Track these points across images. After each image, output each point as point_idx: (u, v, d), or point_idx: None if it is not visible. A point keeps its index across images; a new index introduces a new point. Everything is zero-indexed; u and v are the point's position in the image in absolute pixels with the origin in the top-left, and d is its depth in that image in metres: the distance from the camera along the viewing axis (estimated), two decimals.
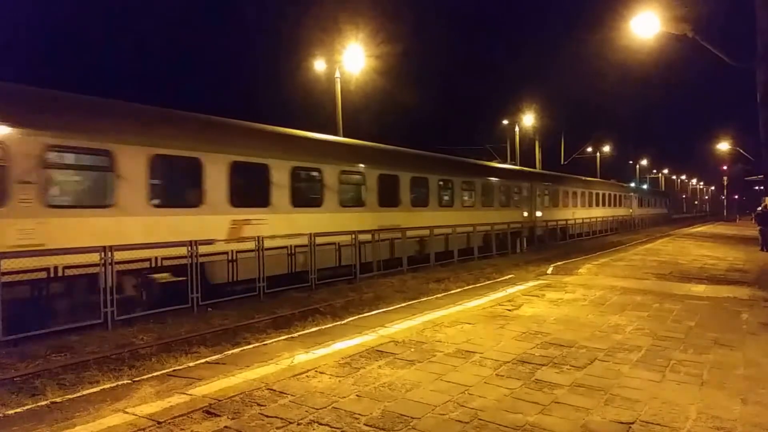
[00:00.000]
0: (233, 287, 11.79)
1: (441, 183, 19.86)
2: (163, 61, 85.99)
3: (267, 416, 4.42)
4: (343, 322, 8.37)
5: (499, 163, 32.55)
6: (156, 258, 10.26)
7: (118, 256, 9.38)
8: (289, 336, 7.48)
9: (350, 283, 14.15)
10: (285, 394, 4.94)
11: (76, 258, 8.87)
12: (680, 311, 8.74)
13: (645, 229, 45.89)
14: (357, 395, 4.89)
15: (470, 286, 12.41)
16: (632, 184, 61.41)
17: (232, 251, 11.85)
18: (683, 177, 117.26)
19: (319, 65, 23.30)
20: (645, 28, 12.76)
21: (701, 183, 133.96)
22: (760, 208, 23.19)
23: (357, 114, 32.80)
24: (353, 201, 15.87)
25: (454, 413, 4.46)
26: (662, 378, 5.36)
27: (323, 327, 8.08)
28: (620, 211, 43.55)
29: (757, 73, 10.79)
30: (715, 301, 9.77)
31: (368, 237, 15.30)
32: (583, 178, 39.96)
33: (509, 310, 8.83)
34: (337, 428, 4.18)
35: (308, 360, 6.04)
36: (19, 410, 4.86)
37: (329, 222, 14.29)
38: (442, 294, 11.23)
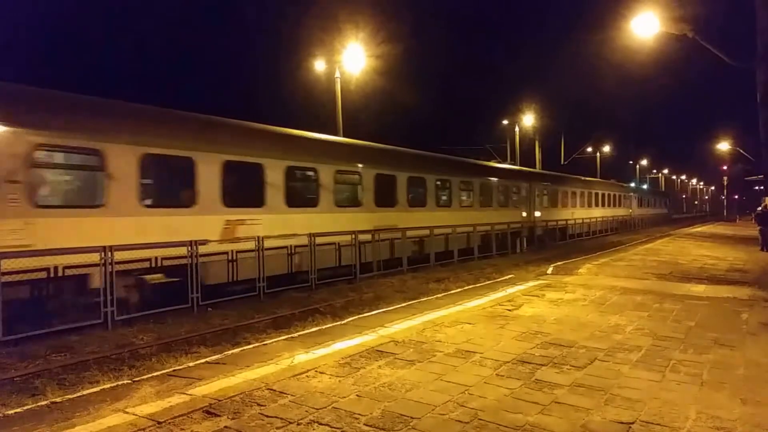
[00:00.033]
0: (228, 288, 11.68)
1: (439, 183, 19.79)
2: (163, 61, 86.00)
3: (267, 416, 4.42)
4: (343, 322, 8.37)
5: (499, 163, 32.51)
6: (148, 259, 10.12)
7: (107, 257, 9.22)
8: (289, 336, 7.48)
9: (350, 283, 14.15)
10: (285, 394, 4.94)
11: (65, 259, 8.76)
12: (680, 311, 8.74)
13: (645, 229, 45.89)
14: (357, 395, 4.89)
15: (470, 286, 12.41)
16: (632, 184, 61.43)
17: (232, 251, 11.82)
18: (683, 177, 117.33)
19: (319, 65, 23.31)
20: (645, 28, 12.79)
21: (701, 183, 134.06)
22: (760, 208, 23.19)
23: (357, 114, 32.84)
24: (349, 201, 15.77)
25: (454, 413, 4.46)
26: (662, 378, 5.36)
27: (323, 327, 8.08)
28: (620, 211, 43.54)
29: (757, 73, 10.80)
30: (715, 301, 9.77)
31: (368, 237, 15.29)
32: (583, 178, 39.91)
33: (509, 310, 8.83)
34: (337, 428, 4.18)
35: (308, 360, 6.04)
36: (19, 410, 4.86)
37: (325, 222, 14.18)
38: (442, 294, 11.23)
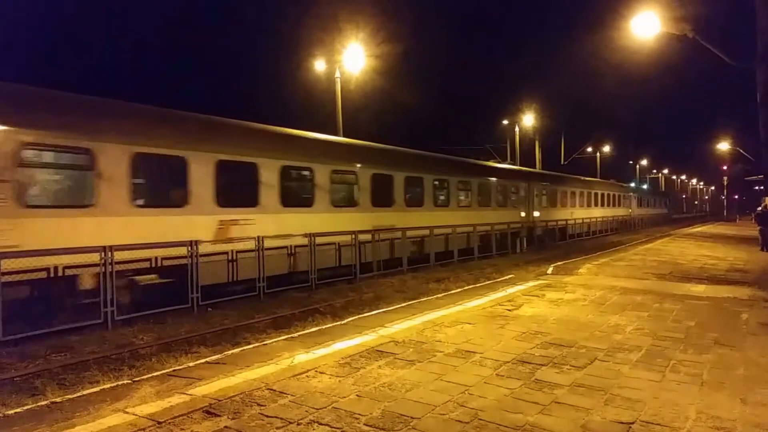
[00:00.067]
0: (222, 288, 11.53)
1: (436, 183, 19.69)
2: (163, 61, 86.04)
3: (267, 416, 4.42)
4: (343, 322, 8.37)
5: (498, 162, 32.47)
6: (140, 259, 9.98)
7: (98, 258, 9.11)
8: (289, 336, 7.48)
9: (350, 283, 14.16)
10: (285, 394, 4.94)
11: (52, 260, 8.61)
12: (680, 311, 8.74)
13: (645, 229, 45.90)
14: (357, 395, 4.89)
15: (470, 286, 12.41)
16: (632, 184, 61.42)
17: (231, 251, 11.79)
18: (683, 177, 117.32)
19: (319, 65, 23.32)
20: (645, 28, 12.77)
21: (701, 183, 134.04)
22: (760, 208, 23.20)
23: (357, 114, 32.83)
24: (346, 201, 15.66)
25: (454, 413, 4.46)
26: (662, 378, 5.36)
27: (323, 327, 8.08)
28: (619, 211, 43.53)
29: (757, 73, 10.79)
30: (715, 301, 9.77)
31: (368, 237, 15.28)
32: (582, 177, 39.90)
33: (509, 310, 8.83)
34: (337, 428, 4.18)
35: (308, 360, 6.04)
36: (19, 410, 4.86)
37: (321, 222, 14.07)
38: (442, 294, 11.24)
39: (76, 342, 8.24)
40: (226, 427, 4.25)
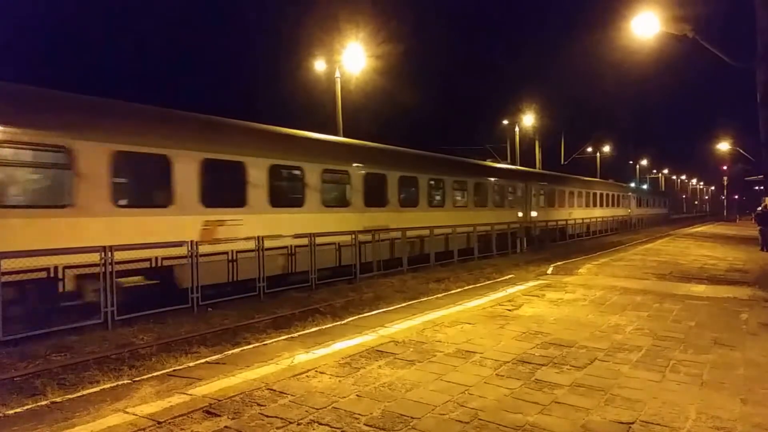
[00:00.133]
0: (206, 291, 11.06)
1: (432, 183, 19.44)
2: (163, 61, 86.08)
3: (267, 416, 4.43)
4: (343, 322, 8.37)
5: (497, 162, 32.41)
6: (124, 261, 9.60)
7: (80, 259, 8.89)
8: (289, 336, 7.48)
9: (350, 283, 14.15)
10: (285, 394, 4.94)
11: (31, 261, 8.30)
12: (680, 311, 8.74)
13: (645, 229, 45.91)
14: (357, 395, 4.89)
15: (470, 286, 12.41)
16: (632, 184, 61.42)
17: (231, 251, 11.74)
18: (683, 177, 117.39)
19: (319, 65, 23.31)
20: (645, 28, 12.78)
21: (701, 183, 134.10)
22: (760, 208, 23.21)
23: (357, 114, 32.80)
24: (337, 201, 15.37)
25: (454, 413, 4.46)
26: (662, 378, 5.36)
27: (323, 327, 8.08)
28: (619, 211, 43.49)
29: (757, 73, 10.80)
30: (715, 301, 9.77)
31: (368, 237, 15.24)
32: (581, 177, 39.85)
33: (509, 310, 8.83)
34: (337, 428, 4.18)
35: (308, 360, 6.04)
36: (19, 410, 4.86)
37: (312, 223, 13.80)
38: (442, 294, 11.23)
39: (76, 342, 8.23)
40: (226, 427, 4.25)
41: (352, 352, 6.35)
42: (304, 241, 13.18)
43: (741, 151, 49.23)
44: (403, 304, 9.87)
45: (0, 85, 9.39)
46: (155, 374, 5.79)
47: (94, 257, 9.10)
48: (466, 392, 4.95)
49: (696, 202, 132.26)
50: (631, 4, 13.10)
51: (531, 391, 4.97)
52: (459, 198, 21.41)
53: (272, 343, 7.03)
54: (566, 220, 31.39)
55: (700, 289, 11.25)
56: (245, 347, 6.99)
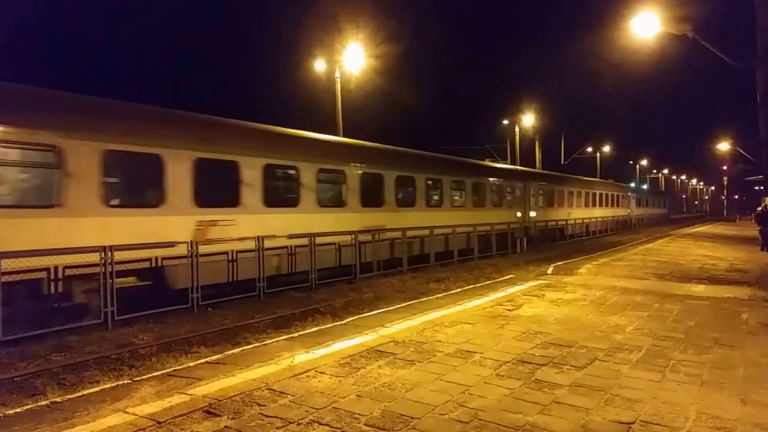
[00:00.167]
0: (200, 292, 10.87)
1: (429, 182, 19.29)
2: (163, 61, 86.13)
3: (267, 416, 4.43)
4: (343, 322, 8.37)
5: (495, 162, 32.34)
6: (117, 262, 9.42)
7: (69, 259, 8.82)
8: (289, 336, 7.48)
9: (350, 283, 14.15)
10: (285, 394, 4.94)
11: (13, 263, 8.16)
12: (680, 311, 8.74)
13: (645, 229, 45.91)
14: (357, 395, 4.89)
15: (470, 286, 12.41)
16: (632, 184, 61.43)
17: (232, 252, 11.73)
18: (683, 177, 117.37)
19: (319, 65, 23.33)
20: (645, 28, 12.77)
21: (701, 183, 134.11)
22: (760, 208, 23.21)
23: (357, 114, 32.82)
24: (333, 201, 15.25)
25: (454, 413, 4.46)
26: (662, 378, 5.36)
27: (323, 327, 8.08)
28: (618, 211, 43.47)
29: (757, 73, 10.79)
30: (715, 301, 9.77)
31: (368, 237, 15.23)
32: (580, 177, 39.80)
33: (509, 310, 8.83)
34: (337, 428, 4.18)
35: (308, 360, 6.04)
36: (19, 410, 4.86)
37: (307, 223, 13.64)
38: (442, 294, 11.23)
39: (76, 342, 8.23)
40: (226, 427, 4.25)
41: (352, 352, 6.35)
42: (303, 241, 13.15)
43: (741, 151, 49.24)
44: (403, 304, 9.87)
45: None
46: (155, 374, 5.79)
47: (84, 258, 9.00)
48: (466, 392, 4.95)
49: (696, 202, 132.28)
50: (631, 4, 13.11)
51: (531, 391, 4.97)
52: (457, 198, 21.27)
53: (272, 343, 7.03)
54: (566, 220, 31.38)
55: (700, 289, 11.25)
56: (245, 347, 6.99)
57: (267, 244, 12.17)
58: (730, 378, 5.35)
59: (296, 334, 7.57)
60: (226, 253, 11.62)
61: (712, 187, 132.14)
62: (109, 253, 9.19)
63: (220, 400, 4.78)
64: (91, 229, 9.53)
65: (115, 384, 5.50)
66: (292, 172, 13.85)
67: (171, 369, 5.98)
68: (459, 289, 11.90)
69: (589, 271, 14.29)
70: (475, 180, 22.50)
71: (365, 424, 4.24)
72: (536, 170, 35.61)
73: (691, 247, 22.89)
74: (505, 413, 4.45)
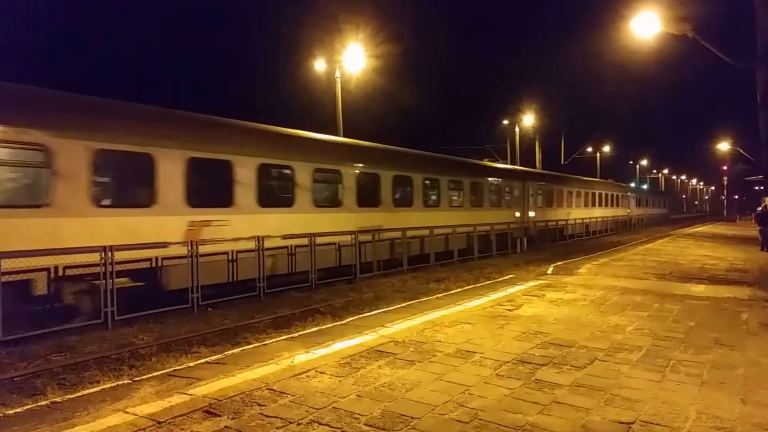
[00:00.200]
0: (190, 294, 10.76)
1: (427, 182, 19.18)
2: (163, 61, 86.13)
3: (267, 416, 4.43)
4: (343, 322, 8.37)
5: (495, 162, 32.29)
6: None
7: (58, 260, 8.68)
8: (289, 336, 7.48)
9: (350, 283, 14.15)
10: (285, 394, 4.94)
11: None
12: (680, 311, 8.74)
13: (645, 229, 45.92)
14: (357, 395, 4.89)
15: (470, 286, 12.41)
16: (632, 184, 61.42)
17: (233, 253, 11.70)
18: (683, 177, 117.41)
19: (319, 65, 23.33)
20: (645, 28, 12.77)
21: (701, 183, 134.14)
22: (760, 208, 23.22)
23: (357, 114, 32.80)
24: (329, 201, 15.15)
25: (454, 413, 4.46)
26: (662, 378, 5.36)
27: (323, 327, 8.08)
28: (618, 211, 43.46)
29: (757, 73, 10.79)
30: (715, 301, 9.77)
31: (368, 237, 15.22)
32: (579, 177, 39.75)
33: (509, 310, 8.83)
34: (337, 428, 4.18)
35: (308, 360, 6.04)
36: (19, 410, 4.86)
37: (302, 223, 13.51)
38: (442, 294, 11.23)
39: (76, 342, 8.23)
40: (226, 427, 4.25)
41: (352, 352, 6.35)
42: (303, 241, 13.13)
43: (741, 151, 49.24)
44: (403, 304, 9.87)
45: None
46: (155, 374, 5.79)
47: (72, 258, 8.91)
48: (466, 392, 4.95)
49: (696, 202, 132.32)
50: (631, 4, 13.10)
51: (531, 391, 4.97)
52: (455, 198, 21.15)
53: (272, 343, 7.03)
54: (566, 221, 31.36)
55: (700, 289, 11.25)
56: (245, 347, 6.99)
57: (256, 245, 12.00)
58: (730, 378, 5.35)
59: (296, 334, 7.57)
60: (221, 253, 11.47)
61: (712, 187, 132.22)
62: (109, 253, 9.18)
63: (220, 400, 4.78)
64: (80, 229, 9.39)
65: (115, 384, 5.50)
66: (287, 171, 13.74)
67: (171, 369, 5.98)
68: (459, 289, 11.90)
69: (589, 271, 14.29)
70: (473, 180, 22.39)
71: (365, 424, 4.24)
72: (535, 170, 35.57)
73: (691, 247, 22.89)
74: (505, 413, 4.45)
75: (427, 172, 19.29)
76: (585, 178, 41.07)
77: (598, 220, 37.58)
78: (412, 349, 6.43)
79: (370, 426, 4.22)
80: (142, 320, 9.47)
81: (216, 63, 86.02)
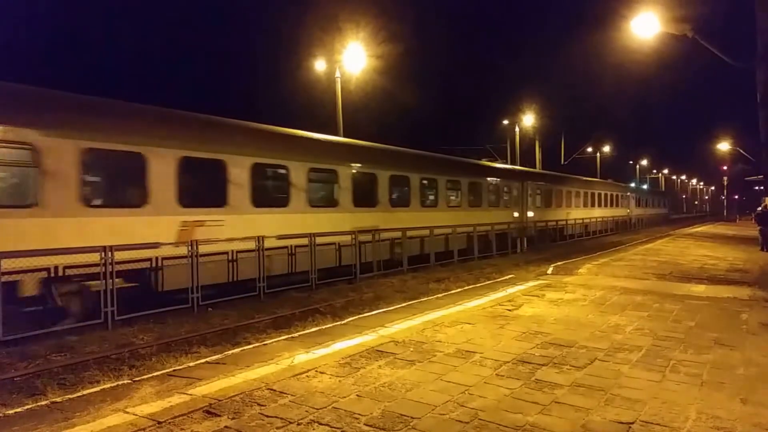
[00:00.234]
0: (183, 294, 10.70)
1: (424, 182, 19.09)
2: (163, 61, 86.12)
3: (267, 416, 4.43)
4: (343, 322, 8.37)
5: (494, 162, 32.24)
6: (95, 264, 9.18)
7: (41, 262, 8.54)
8: (290, 336, 7.48)
9: (350, 283, 14.15)
10: (285, 394, 4.94)
11: None
12: (680, 311, 8.74)
13: (645, 229, 45.92)
14: (357, 395, 4.89)
15: (470, 286, 12.41)
16: (632, 184, 61.42)
17: (233, 253, 11.69)
18: (683, 177, 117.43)
19: (319, 65, 23.34)
20: (645, 28, 12.78)
21: (701, 183, 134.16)
22: (760, 208, 23.22)
23: (357, 114, 32.84)
24: (325, 201, 15.01)
25: (454, 413, 4.46)
26: (662, 378, 5.36)
27: (323, 327, 8.08)
28: (617, 211, 43.42)
29: (757, 73, 10.79)
30: (715, 301, 9.77)
31: (368, 237, 15.22)
32: (579, 177, 39.69)
33: (509, 310, 8.83)
34: (337, 428, 4.18)
35: (308, 360, 6.04)
36: (19, 410, 4.86)
37: (297, 223, 13.40)
38: (443, 294, 11.23)
39: (76, 342, 8.23)
40: (226, 427, 4.25)
41: (352, 352, 6.35)
42: (303, 241, 13.12)
43: (741, 151, 49.30)
44: (403, 304, 9.87)
45: None
46: (155, 374, 5.79)
47: (59, 259, 8.81)
48: (466, 392, 4.95)
49: (696, 202, 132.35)
50: (631, 4, 13.11)
51: (531, 391, 4.97)
52: (453, 198, 21.04)
53: (272, 343, 7.03)
54: (565, 221, 31.34)
55: (700, 289, 11.25)
56: (245, 347, 6.99)
57: (252, 245, 11.92)
58: (730, 378, 5.35)
59: (296, 334, 7.57)
60: (217, 254, 11.35)
61: (712, 187, 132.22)
62: (109, 253, 9.18)
63: (220, 400, 4.78)
64: (69, 230, 9.27)
65: (115, 384, 5.50)
66: (282, 171, 13.61)
67: (171, 369, 5.98)
68: (459, 289, 11.90)
69: (589, 271, 14.29)
70: (471, 180, 22.27)
71: (365, 424, 4.24)
72: (534, 170, 35.52)
73: (691, 247, 22.89)
74: (505, 413, 4.45)
75: (424, 172, 19.16)
76: (584, 178, 41.03)
77: (598, 220, 37.55)
78: (412, 349, 6.43)
79: (370, 426, 4.22)
80: (142, 320, 9.47)
81: (216, 63, 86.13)
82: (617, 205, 43.72)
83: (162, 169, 10.78)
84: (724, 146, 51.90)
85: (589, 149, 57.56)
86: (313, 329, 7.92)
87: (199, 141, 11.76)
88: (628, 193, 48.96)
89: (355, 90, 25.11)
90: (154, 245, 10.13)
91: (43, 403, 5.01)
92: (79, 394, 5.28)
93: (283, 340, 7.20)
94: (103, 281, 9.11)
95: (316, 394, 4.93)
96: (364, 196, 16.13)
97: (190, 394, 4.95)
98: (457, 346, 6.55)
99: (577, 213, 34.02)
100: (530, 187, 27.83)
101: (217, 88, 73.75)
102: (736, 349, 6.45)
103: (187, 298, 10.56)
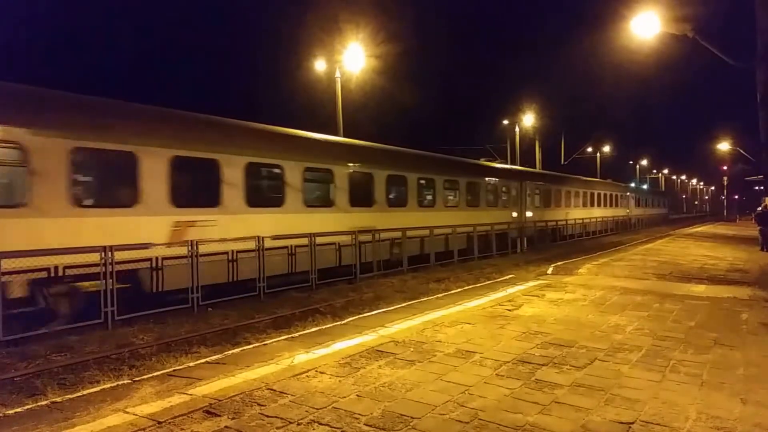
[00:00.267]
0: (173, 296, 10.66)
1: (422, 182, 18.99)
2: (163, 61, 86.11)
3: (267, 416, 4.43)
4: (343, 322, 8.37)
5: (494, 162, 32.20)
6: (86, 264, 9.10)
7: (29, 263, 8.42)
8: (290, 336, 7.48)
9: (350, 283, 14.15)
10: (285, 394, 4.94)
11: None
12: (680, 311, 8.74)
13: (644, 229, 45.92)
14: (357, 395, 4.89)
15: (470, 286, 12.41)
16: (632, 184, 61.42)
17: (233, 253, 11.70)
18: (683, 177, 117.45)
19: (319, 65, 23.36)
20: (645, 28, 12.78)
21: (701, 183, 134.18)
22: (760, 208, 23.22)
23: (357, 114, 32.84)
24: (321, 201, 14.94)
25: (454, 413, 4.46)
26: (662, 378, 5.36)
27: (323, 327, 8.08)
28: (617, 212, 43.39)
29: (757, 73, 10.80)
30: (715, 301, 9.77)
31: (369, 237, 15.21)
32: (578, 177, 39.65)
33: (509, 310, 8.83)
34: (338, 428, 4.18)
35: (308, 360, 6.04)
36: (19, 410, 4.86)
37: (293, 223, 13.27)
38: (443, 294, 11.23)
39: (76, 342, 8.23)
40: (226, 427, 4.25)
41: (352, 352, 6.35)
42: (303, 241, 13.12)
43: (741, 151, 49.25)
44: (403, 304, 9.87)
45: None
46: (155, 374, 5.79)
47: (60, 259, 8.76)
48: (466, 392, 4.95)
49: (696, 202, 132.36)
50: (631, 4, 13.11)
51: (531, 391, 4.97)
52: (451, 198, 20.94)
53: (272, 343, 7.03)
54: (565, 221, 31.33)
55: (700, 289, 11.25)
56: (245, 347, 6.99)
57: (247, 245, 11.84)
58: (730, 378, 5.35)
59: (296, 334, 7.57)
60: (214, 254, 11.26)
61: (712, 187, 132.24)
62: (109, 253, 9.17)
63: (220, 400, 4.78)
64: (59, 230, 9.16)
65: (115, 384, 5.50)
66: (276, 171, 13.48)
67: (171, 369, 5.98)
68: (459, 289, 11.90)
69: (589, 271, 14.29)
70: (469, 179, 22.18)
71: (365, 424, 4.24)
72: (533, 170, 35.48)
73: (691, 247, 22.89)
74: (505, 413, 4.45)
75: (421, 172, 19.04)
76: (584, 178, 41.00)
77: (598, 220, 37.53)
78: (412, 349, 6.43)
79: (370, 426, 4.22)
80: (142, 320, 9.47)
81: (216, 63, 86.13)
82: (617, 205, 43.69)
83: (154, 168, 10.65)
84: (724, 146, 51.87)
85: (589, 149, 57.63)
86: (313, 329, 7.92)
87: (192, 140, 11.64)
88: (628, 193, 48.93)
89: (355, 90, 25.14)
90: (146, 246, 10.02)
91: (43, 403, 5.01)
92: (79, 394, 5.28)
93: (283, 340, 7.20)
94: (103, 281, 9.10)
95: (316, 394, 4.93)
96: (361, 195, 16.05)
97: (190, 394, 4.96)
98: (457, 346, 6.55)
99: (577, 213, 33.98)
100: (529, 187, 27.77)
101: (217, 88, 73.86)
102: (736, 349, 6.45)
103: (187, 298, 10.54)
